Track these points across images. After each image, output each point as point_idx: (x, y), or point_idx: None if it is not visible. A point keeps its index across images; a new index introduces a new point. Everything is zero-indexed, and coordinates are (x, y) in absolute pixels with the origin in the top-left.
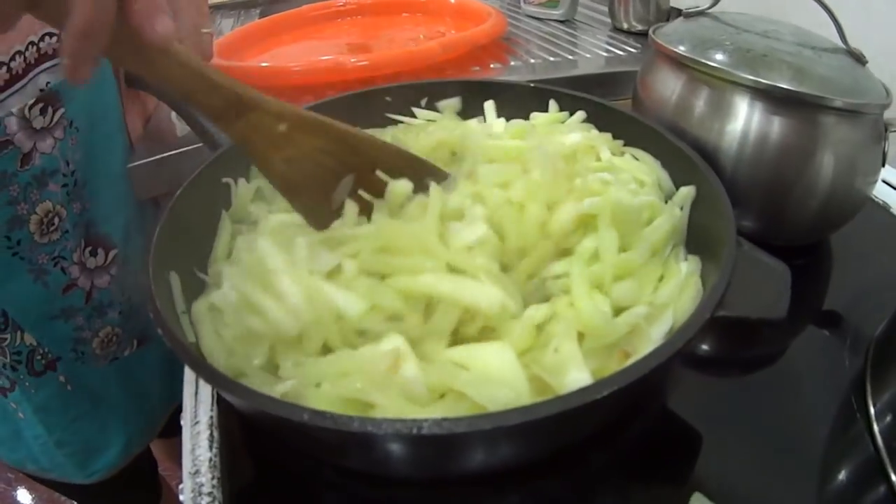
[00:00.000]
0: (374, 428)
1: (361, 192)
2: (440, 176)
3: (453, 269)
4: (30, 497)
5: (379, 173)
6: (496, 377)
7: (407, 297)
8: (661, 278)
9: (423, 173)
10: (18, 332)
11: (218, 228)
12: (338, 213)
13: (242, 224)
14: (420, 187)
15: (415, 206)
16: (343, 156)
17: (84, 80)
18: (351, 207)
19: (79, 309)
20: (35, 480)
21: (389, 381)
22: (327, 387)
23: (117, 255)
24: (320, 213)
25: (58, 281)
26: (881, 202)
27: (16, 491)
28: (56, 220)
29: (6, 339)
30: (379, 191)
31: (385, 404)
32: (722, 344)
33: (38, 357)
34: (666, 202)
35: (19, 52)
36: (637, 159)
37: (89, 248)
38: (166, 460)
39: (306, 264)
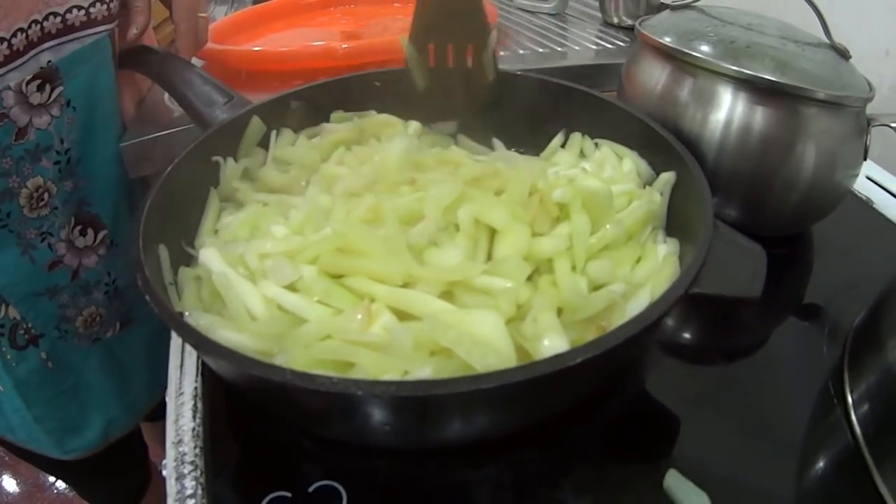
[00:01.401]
0: (353, 388)
1: None
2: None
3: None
4: (14, 483)
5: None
6: (485, 341)
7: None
8: (638, 259)
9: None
10: (3, 305)
11: (206, 205)
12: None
13: (229, 202)
14: None
15: (368, 209)
16: None
17: None
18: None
19: (63, 287)
20: (14, 453)
21: (368, 338)
22: (307, 350)
23: (106, 235)
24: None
25: (44, 257)
26: (864, 197)
27: (0, 477)
28: (46, 195)
29: None
30: None
31: (363, 361)
32: (703, 332)
33: (21, 332)
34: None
35: (21, 30)
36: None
37: (79, 227)
38: (156, 445)
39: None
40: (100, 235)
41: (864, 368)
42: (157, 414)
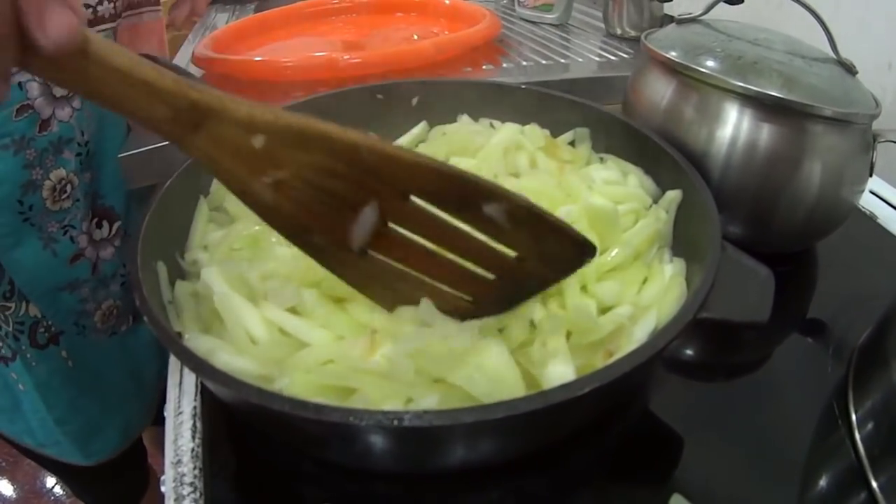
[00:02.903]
0: (355, 419)
1: (393, 226)
2: (503, 200)
3: None
4: (11, 487)
5: (416, 200)
6: (491, 374)
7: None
8: (645, 280)
9: (475, 197)
10: (23, 303)
11: (195, 215)
12: (363, 254)
13: (219, 212)
14: (472, 216)
15: None
16: (356, 176)
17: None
18: None
19: (85, 280)
20: (31, 458)
21: (370, 366)
22: (308, 375)
23: (120, 227)
24: (340, 260)
25: (66, 250)
26: (868, 212)
27: None
28: (68, 187)
29: (10, 307)
30: (416, 222)
31: (366, 387)
32: (706, 349)
33: (42, 330)
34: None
35: None
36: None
37: (95, 220)
38: (155, 449)
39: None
40: (115, 227)
41: (868, 388)
42: (157, 418)
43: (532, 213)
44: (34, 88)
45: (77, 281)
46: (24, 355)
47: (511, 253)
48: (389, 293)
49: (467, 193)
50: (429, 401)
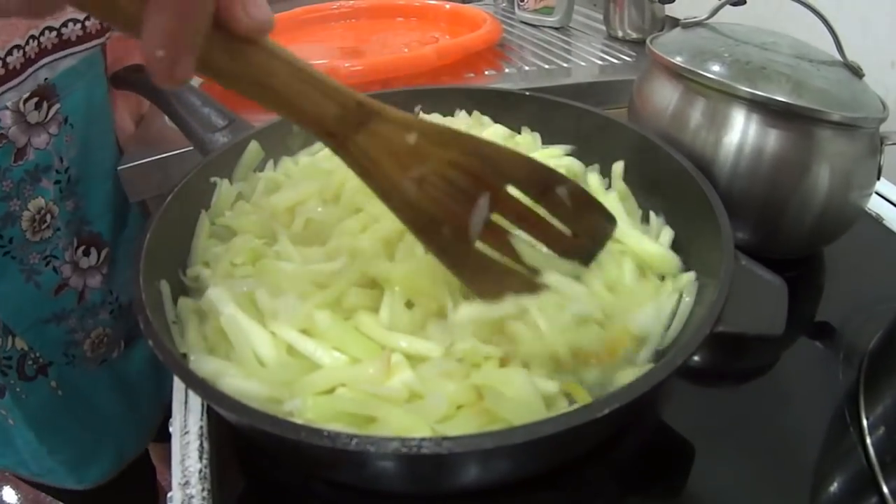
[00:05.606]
0: (372, 447)
1: (496, 218)
2: (570, 187)
3: None
4: (15, 497)
5: (513, 191)
6: (516, 398)
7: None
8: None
9: (552, 184)
10: (10, 337)
11: (196, 230)
12: (476, 253)
13: (219, 226)
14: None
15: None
16: (475, 169)
17: (183, 81)
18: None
19: (71, 310)
20: (26, 483)
21: (388, 391)
22: (323, 399)
23: (108, 253)
24: (459, 251)
25: (50, 281)
26: (874, 214)
27: (1, 490)
28: (48, 217)
29: None
30: (513, 212)
31: (387, 418)
32: (715, 355)
33: (30, 362)
34: None
35: (18, 47)
36: None
37: (82, 248)
38: (163, 467)
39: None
40: (102, 254)
41: (880, 392)
42: (164, 434)
43: (583, 190)
44: (7, 117)
45: (63, 312)
46: (13, 389)
47: (569, 231)
48: (494, 287)
49: (546, 177)
50: (452, 429)
